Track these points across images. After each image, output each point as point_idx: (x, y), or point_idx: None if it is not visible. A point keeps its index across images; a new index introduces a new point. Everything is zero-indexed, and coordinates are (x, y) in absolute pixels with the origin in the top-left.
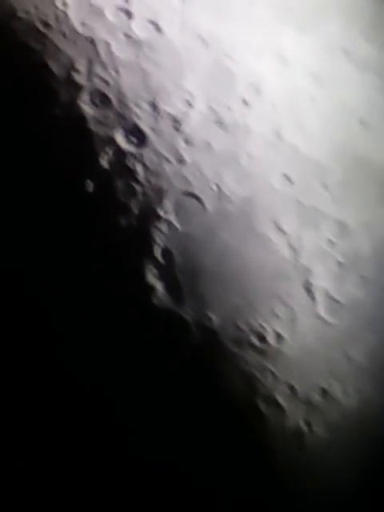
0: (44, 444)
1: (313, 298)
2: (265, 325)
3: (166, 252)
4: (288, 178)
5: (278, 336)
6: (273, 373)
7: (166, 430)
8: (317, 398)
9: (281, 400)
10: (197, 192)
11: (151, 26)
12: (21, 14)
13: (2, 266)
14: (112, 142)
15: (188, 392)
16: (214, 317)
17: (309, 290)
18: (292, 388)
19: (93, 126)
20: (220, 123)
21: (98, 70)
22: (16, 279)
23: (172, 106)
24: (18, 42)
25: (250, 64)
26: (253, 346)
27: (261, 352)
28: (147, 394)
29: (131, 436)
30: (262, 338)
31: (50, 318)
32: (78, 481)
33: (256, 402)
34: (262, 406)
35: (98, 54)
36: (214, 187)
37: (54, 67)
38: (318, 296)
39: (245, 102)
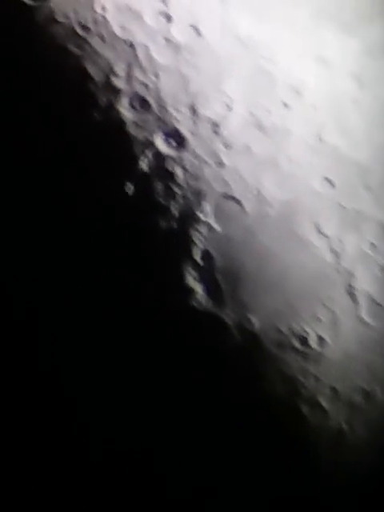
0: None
1: (355, 301)
2: (307, 328)
3: (206, 254)
4: (329, 181)
5: (320, 339)
6: (315, 375)
7: (207, 434)
8: (358, 399)
9: (323, 402)
10: (236, 195)
11: (191, 30)
12: (60, 18)
13: (43, 267)
14: (151, 145)
15: (229, 395)
16: (255, 320)
17: (351, 293)
18: (334, 390)
19: (132, 130)
20: (260, 126)
21: (138, 73)
22: (58, 282)
23: (211, 109)
24: (58, 46)
25: (291, 67)
26: (294, 349)
27: (303, 355)
28: (188, 398)
29: (173, 438)
30: (304, 341)
31: (91, 321)
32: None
33: (298, 404)
34: (304, 408)
35: (137, 58)
36: (254, 190)
37: (93, 71)
38: (361, 299)
39: (285, 105)
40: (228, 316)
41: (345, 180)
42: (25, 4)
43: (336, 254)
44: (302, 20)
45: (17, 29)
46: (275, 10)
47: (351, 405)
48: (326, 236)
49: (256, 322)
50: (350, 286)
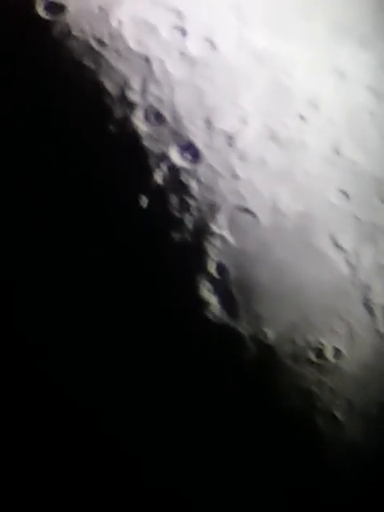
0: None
1: (372, 314)
2: (323, 340)
3: (221, 267)
4: (345, 193)
5: (337, 351)
6: (331, 388)
7: (222, 445)
8: (375, 411)
9: (338, 415)
10: (251, 207)
11: (206, 44)
12: (76, 33)
13: (58, 280)
14: (166, 158)
15: (245, 407)
16: (270, 332)
17: (367, 305)
18: (350, 403)
19: (147, 143)
20: (275, 139)
21: (153, 87)
22: (72, 295)
23: (226, 122)
24: (73, 61)
25: (307, 80)
26: (310, 361)
27: (319, 367)
28: (203, 411)
29: (188, 451)
30: (320, 354)
31: (105, 334)
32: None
33: (314, 416)
34: (319, 420)
35: (152, 72)
36: (269, 203)
37: (109, 85)
38: (377, 312)
39: (301, 118)
40: (243, 328)
41: (361, 192)
42: (40, 18)
43: (352, 267)
44: (318, 34)
45: (33, 43)
46: (291, 23)
47: (367, 417)
48: (342, 249)
49: (271, 334)
50: (366, 298)
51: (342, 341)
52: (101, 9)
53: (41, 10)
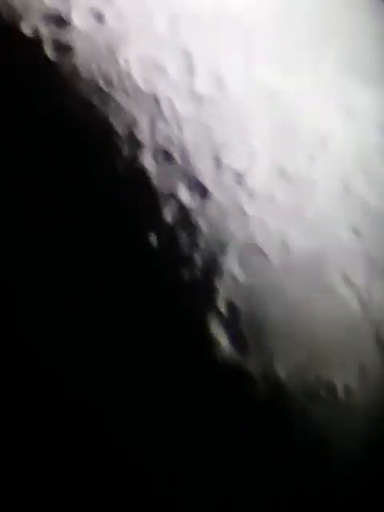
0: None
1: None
2: (334, 378)
3: (231, 304)
4: (356, 231)
5: (348, 389)
6: (342, 426)
7: (235, 486)
8: None
9: (350, 453)
10: (261, 245)
11: (215, 82)
12: (84, 73)
13: (67, 318)
14: (175, 196)
15: (256, 446)
16: (281, 370)
17: (379, 342)
18: (361, 440)
19: (156, 181)
20: (285, 177)
21: (161, 126)
22: (82, 332)
23: (235, 160)
24: (81, 101)
25: (316, 118)
26: (322, 399)
27: (330, 405)
28: (215, 450)
29: (200, 493)
30: (332, 392)
31: (113, 372)
32: None
33: (326, 455)
34: (332, 459)
35: (160, 111)
36: (279, 240)
37: (117, 124)
38: None
39: (311, 156)
40: (253, 366)
41: (372, 230)
42: (48, 58)
43: (364, 304)
44: (327, 72)
45: (40, 83)
46: (300, 61)
47: (380, 455)
48: (353, 285)
49: (282, 372)
50: (378, 335)
51: (353, 378)
52: (108, 49)
53: (49, 52)
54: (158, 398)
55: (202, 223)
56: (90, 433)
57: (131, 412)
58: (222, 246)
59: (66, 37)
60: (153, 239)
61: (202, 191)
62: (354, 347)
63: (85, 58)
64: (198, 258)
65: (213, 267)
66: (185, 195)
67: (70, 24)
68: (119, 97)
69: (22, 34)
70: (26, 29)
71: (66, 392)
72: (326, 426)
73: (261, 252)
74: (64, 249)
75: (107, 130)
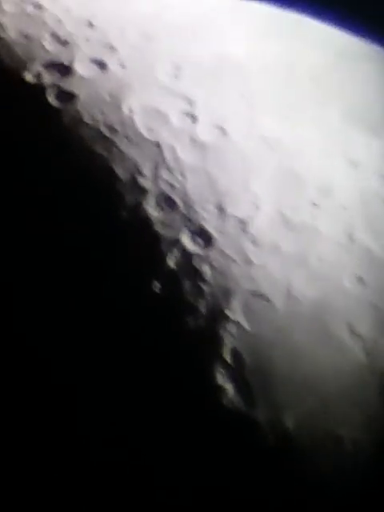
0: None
1: None
2: (341, 430)
3: (236, 353)
4: (361, 280)
5: (355, 441)
6: (349, 477)
7: None
8: None
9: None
10: (266, 293)
11: (217, 130)
12: (87, 120)
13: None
14: (178, 243)
15: (263, 497)
16: (287, 420)
17: None
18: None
19: (159, 229)
20: (288, 225)
21: (164, 173)
22: (91, 378)
23: (239, 208)
24: (85, 148)
25: (319, 167)
26: (329, 449)
27: (337, 456)
28: (221, 499)
29: None
30: (339, 443)
31: (122, 424)
32: None
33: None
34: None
35: (163, 158)
36: (284, 288)
37: (120, 172)
38: None
39: (314, 204)
40: (260, 416)
41: (377, 279)
42: (51, 106)
43: (370, 355)
44: (329, 120)
45: (43, 131)
46: (302, 110)
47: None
48: (359, 336)
49: (289, 422)
50: None
51: (360, 430)
52: (111, 96)
53: (51, 99)
54: (164, 448)
55: (206, 270)
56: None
57: (138, 464)
58: (227, 294)
59: (69, 84)
60: (156, 286)
61: (205, 238)
62: (360, 398)
63: (88, 105)
64: (202, 306)
65: (217, 315)
66: (188, 242)
67: (72, 72)
68: (122, 144)
69: (25, 81)
70: (29, 76)
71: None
72: (332, 476)
73: (266, 300)
74: (66, 296)
75: (110, 177)
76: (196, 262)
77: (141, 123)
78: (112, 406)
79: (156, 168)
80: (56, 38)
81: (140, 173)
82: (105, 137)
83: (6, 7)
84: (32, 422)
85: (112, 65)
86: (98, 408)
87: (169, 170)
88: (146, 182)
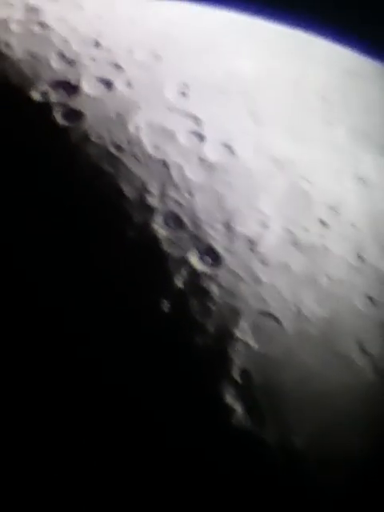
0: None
1: None
2: (351, 449)
3: (245, 372)
4: (371, 299)
5: (365, 460)
6: (359, 495)
7: None
8: None
9: None
10: (274, 312)
11: (224, 149)
12: (94, 139)
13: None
14: (186, 262)
15: None
16: (297, 439)
17: None
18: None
19: (167, 247)
20: (297, 244)
21: (172, 192)
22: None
23: (247, 227)
24: (92, 166)
25: (328, 186)
26: (339, 469)
27: (347, 475)
28: None
29: None
30: (349, 462)
31: (128, 442)
32: None
33: None
34: None
35: (171, 177)
36: (293, 308)
37: (128, 190)
38: None
39: (323, 223)
40: (269, 435)
41: None
42: (59, 125)
43: (379, 373)
44: (337, 139)
45: (52, 150)
46: (311, 128)
47: None
48: (369, 355)
49: (298, 441)
50: None
51: (369, 449)
52: (118, 115)
53: (59, 118)
54: (173, 467)
55: (214, 290)
56: None
57: (146, 483)
58: (235, 313)
59: (76, 103)
60: (164, 306)
61: (213, 257)
62: (370, 417)
63: (95, 123)
64: (210, 325)
65: (226, 334)
66: (196, 261)
67: (79, 90)
68: (129, 162)
69: (32, 100)
70: (36, 94)
71: None
72: (342, 495)
73: (274, 319)
74: (73, 315)
75: (118, 196)
76: (204, 281)
77: (148, 142)
78: (121, 425)
79: (163, 186)
80: (63, 57)
81: (147, 191)
82: (112, 155)
83: (13, 27)
84: None
85: (119, 84)
86: (106, 430)
87: (176, 188)
88: (153, 201)
